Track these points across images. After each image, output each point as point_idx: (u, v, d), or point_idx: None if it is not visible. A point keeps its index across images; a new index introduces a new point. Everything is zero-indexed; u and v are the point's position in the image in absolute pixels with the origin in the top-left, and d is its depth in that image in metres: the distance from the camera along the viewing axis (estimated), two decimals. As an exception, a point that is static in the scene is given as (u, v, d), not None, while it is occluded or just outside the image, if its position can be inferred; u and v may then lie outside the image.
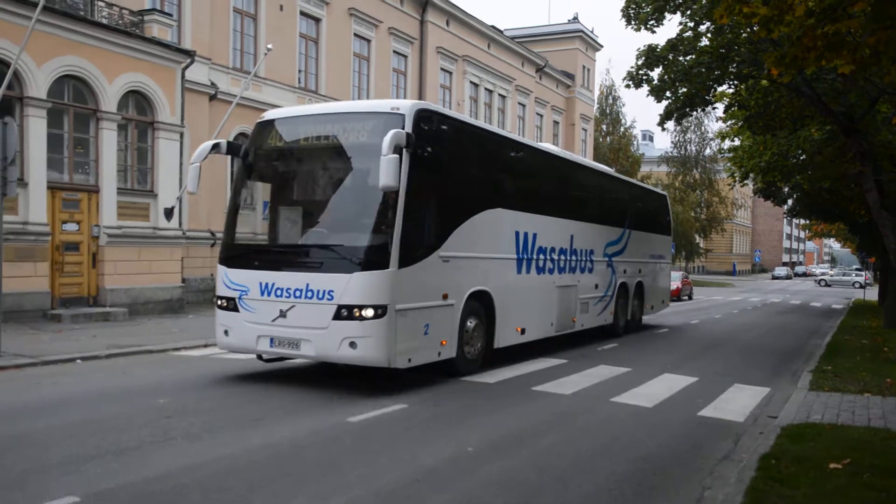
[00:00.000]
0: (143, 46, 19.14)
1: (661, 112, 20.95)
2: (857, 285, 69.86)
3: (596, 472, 6.66)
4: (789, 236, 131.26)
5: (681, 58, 19.21)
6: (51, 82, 17.03)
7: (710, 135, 67.73)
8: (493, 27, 39.68)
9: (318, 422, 8.23)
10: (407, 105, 10.01)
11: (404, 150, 9.46)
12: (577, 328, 15.79)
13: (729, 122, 28.69)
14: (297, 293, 9.77)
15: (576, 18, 51.70)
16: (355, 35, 29.78)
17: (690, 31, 18.80)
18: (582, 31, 50.84)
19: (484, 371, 11.79)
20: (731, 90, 20.95)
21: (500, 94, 40.34)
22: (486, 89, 38.94)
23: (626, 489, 6.22)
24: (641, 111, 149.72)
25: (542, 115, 45.81)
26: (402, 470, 6.51)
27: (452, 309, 10.80)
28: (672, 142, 72.97)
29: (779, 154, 24.48)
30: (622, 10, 19.31)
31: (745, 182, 32.49)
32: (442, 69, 35.18)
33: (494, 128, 15.40)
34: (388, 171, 8.86)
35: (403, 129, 9.52)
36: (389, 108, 10.04)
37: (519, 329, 12.98)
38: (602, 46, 53.71)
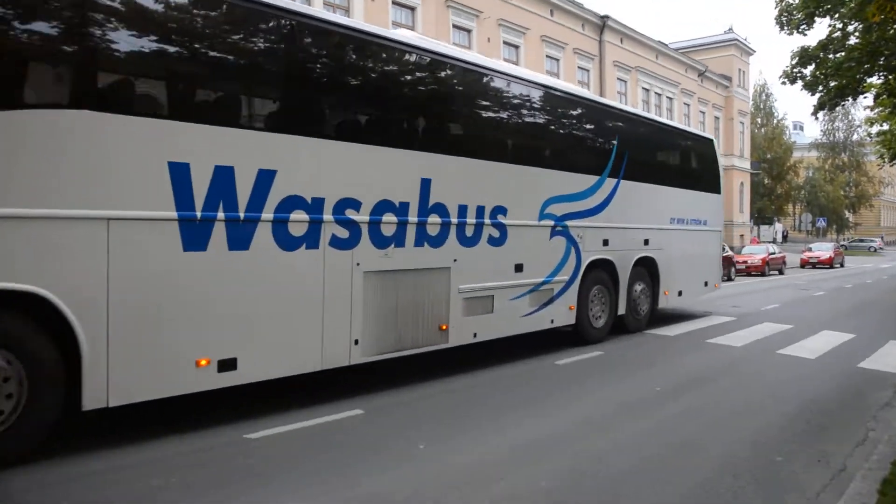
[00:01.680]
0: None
1: (815, 104, 19.47)
2: (872, 250, 58.26)
3: (767, 410, 6.38)
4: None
5: (831, 55, 17.94)
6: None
7: (857, 121, 61.61)
8: (659, 41, 38.00)
9: (531, 364, 8.39)
10: None
11: None
12: (459, 341, 7.55)
13: (876, 110, 26.04)
14: None
15: (731, 29, 48.52)
16: (547, 56, 29.45)
17: (839, 32, 17.51)
18: (737, 40, 47.48)
19: (661, 326, 11.48)
20: (879, 80, 19.05)
21: (667, 97, 38.56)
22: (655, 93, 37.36)
23: (795, 425, 5.91)
24: (792, 102, 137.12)
25: (703, 113, 43.24)
26: (602, 404, 6.56)
27: None
28: (822, 129, 67.20)
29: (927, 136, 21.99)
30: (775, 19, 18.29)
31: (894, 162, 29.25)
32: (618, 79, 34.09)
33: None
34: None
35: None
36: None
37: (205, 361, 5.27)
38: (755, 51, 49.78)
